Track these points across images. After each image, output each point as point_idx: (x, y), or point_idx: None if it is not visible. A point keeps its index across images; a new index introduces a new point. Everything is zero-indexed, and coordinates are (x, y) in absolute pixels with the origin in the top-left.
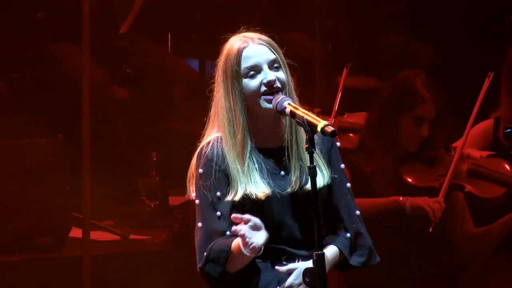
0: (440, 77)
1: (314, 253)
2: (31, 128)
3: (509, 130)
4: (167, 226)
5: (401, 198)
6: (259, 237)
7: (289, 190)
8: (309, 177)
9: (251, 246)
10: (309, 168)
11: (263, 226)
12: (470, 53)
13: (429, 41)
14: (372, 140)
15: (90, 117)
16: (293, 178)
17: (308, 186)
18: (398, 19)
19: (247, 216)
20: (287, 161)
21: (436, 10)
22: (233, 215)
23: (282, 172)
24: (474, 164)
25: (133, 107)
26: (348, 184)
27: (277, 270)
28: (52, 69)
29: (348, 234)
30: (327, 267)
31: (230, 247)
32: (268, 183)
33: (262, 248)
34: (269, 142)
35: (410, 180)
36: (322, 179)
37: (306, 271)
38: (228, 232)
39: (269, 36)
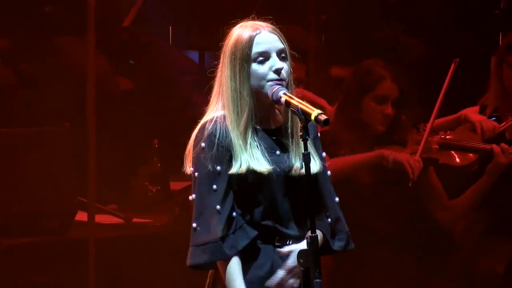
0: (431, 70)
1: (308, 236)
2: (39, 117)
3: (493, 118)
4: (169, 210)
5: (386, 152)
6: None
7: (285, 168)
8: (303, 163)
9: None
10: (303, 154)
11: None
12: (458, 47)
13: (419, 35)
14: (338, 124)
15: (95, 106)
16: (290, 157)
17: (303, 171)
18: (391, 13)
19: None
20: (283, 141)
21: (424, 4)
22: None
23: (278, 152)
24: (443, 138)
25: (136, 96)
26: (329, 172)
27: (279, 252)
28: (59, 61)
29: (329, 220)
30: None
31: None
32: (268, 160)
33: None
34: (266, 123)
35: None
36: (315, 166)
37: (301, 253)
38: (218, 207)
39: (278, 28)
